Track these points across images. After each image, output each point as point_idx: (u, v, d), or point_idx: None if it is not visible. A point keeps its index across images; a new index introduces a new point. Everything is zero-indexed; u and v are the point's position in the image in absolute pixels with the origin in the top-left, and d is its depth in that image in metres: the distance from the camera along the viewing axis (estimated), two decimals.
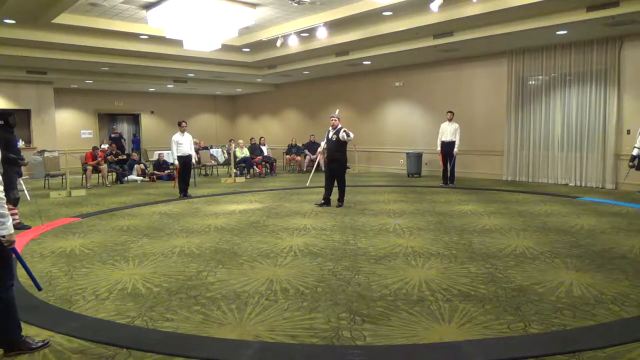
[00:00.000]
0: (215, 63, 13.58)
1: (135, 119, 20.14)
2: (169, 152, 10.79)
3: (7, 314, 2.88)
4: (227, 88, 18.54)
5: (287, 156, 15.65)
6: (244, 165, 13.82)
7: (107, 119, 20.17)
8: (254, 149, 14.60)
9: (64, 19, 9.08)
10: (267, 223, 6.90)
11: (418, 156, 12.98)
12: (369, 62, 13.04)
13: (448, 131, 10.64)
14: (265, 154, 15.01)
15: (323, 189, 8.39)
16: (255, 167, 14.06)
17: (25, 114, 14.63)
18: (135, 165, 13.57)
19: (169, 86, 17.01)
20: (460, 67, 12.45)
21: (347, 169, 8.94)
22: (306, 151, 15.26)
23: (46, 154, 12.73)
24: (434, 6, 7.79)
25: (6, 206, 2.79)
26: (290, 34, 10.20)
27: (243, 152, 13.96)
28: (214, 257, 5.10)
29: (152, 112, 19.58)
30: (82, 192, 10.51)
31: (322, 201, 8.28)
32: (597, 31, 9.28)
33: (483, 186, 10.62)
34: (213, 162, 15.31)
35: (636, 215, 7.13)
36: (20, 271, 4.23)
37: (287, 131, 18.01)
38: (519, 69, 11.23)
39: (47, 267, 4.75)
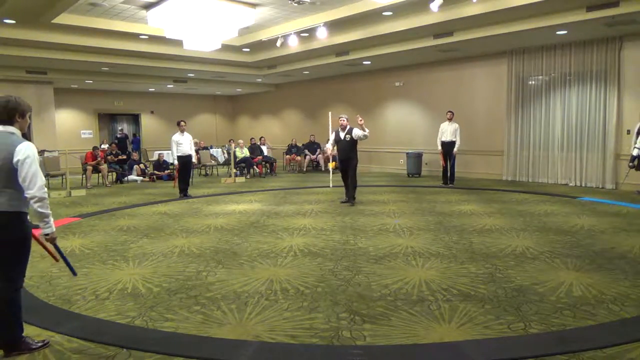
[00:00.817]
0: (215, 63, 13.58)
1: (135, 119, 20.14)
2: (169, 152, 10.80)
3: (12, 315, 2.89)
4: (227, 88, 18.54)
5: (287, 156, 15.65)
6: (244, 165, 13.83)
7: (107, 119, 20.18)
8: (254, 149, 14.60)
9: (64, 19, 9.08)
10: (267, 223, 6.90)
11: (418, 156, 12.98)
12: (369, 62, 13.04)
13: (448, 131, 10.65)
14: (266, 153, 15.03)
15: (324, 190, 8.40)
16: (255, 167, 14.07)
17: None
18: (135, 166, 13.58)
19: (169, 86, 17.00)
20: (460, 67, 12.44)
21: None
22: (306, 151, 15.26)
23: (46, 154, 12.72)
24: (434, 6, 7.79)
25: (49, 205, 2.86)
26: (290, 34, 10.20)
27: (243, 152, 13.96)
28: (214, 257, 5.10)
29: (152, 112, 19.58)
30: (82, 192, 10.52)
31: (346, 199, 8.51)
32: (597, 31, 9.28)
33: (483, 186, 10.62)
34: (213, 162, 15.31)
35: (636, 215, 7.13)
36: None
37: (287, 131, 18.01)
38: (519, 69, 11.23)
39: (47, 267, 4.74)
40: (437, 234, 6.04)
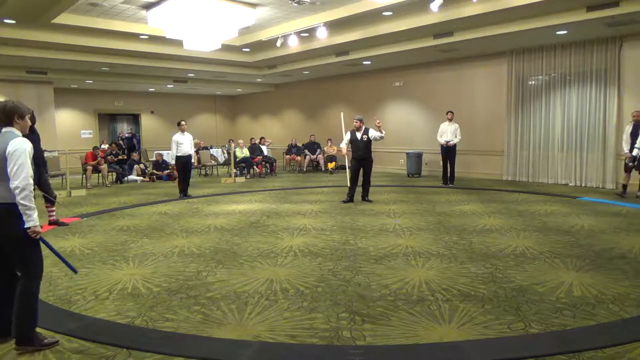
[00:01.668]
0: (215, 63, 13.58)
1: (135, 119, 20.13)
2: (169, 152, 10.79)
3: (30, 306, 2.96)
4: (227, 88, 18.54)
5: (287, 156, 15.65)
6: (244, 165, 13.82)
7: (107, 119, 20.16)
8: (254, 149, 14.60)
9: (64, 19, 9.07)
10: (267, 223, 6.90)
11: (418, 156, 12.97)
12: (369, 62, 13.04)
13: (448, 131, 10.65)
14: (266, 153, 15.02)
15: (324, 190, 8.41)
16: (255, 167, 14.06)
17: None
18: (135, 165, 13.58)
19: (169, 86, 17.00)
20: (460, 67, 12.44)
21: (348, 169, 9.10)
22: (306, 151, 15.25)
23: (46, 154, 12.69)
24: (434, 6, 7.79)
25: (34, 199, 2.88)
26: (290, 34, 10.20)
27: (243, 152, 13.96)
28: (214, 257, 5.10)
29: (152, 112, 19.57)
30: (82, 192, 10.51)
31: (348, 198, 8.63)
32: (597, 31, 9.28)
33: (483, 186, 10.62)
34: (213, 162, 15.31)
35: (636, 215, 7.13)
36: None
37: (287, 131, 18.01)
38: (519, 69, 11.23)
39: (47, 267, 4.69)
40: (437, 234, 6.04)
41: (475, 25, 9.38)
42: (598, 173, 10.09)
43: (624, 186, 8.60)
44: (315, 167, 15.54)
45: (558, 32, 9.36)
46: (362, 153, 8.51)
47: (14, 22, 9.16)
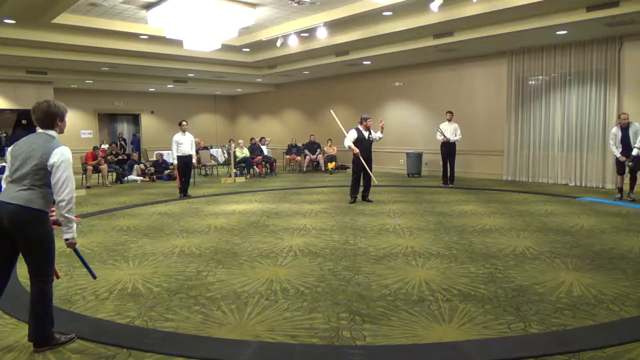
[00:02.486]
0: (215, 63, 13.58)
1: (135, 119, 20.13)
2: (169, 152, 10.79)
3: (48, 309, 2.95)
4: (227, 88, 18.53)
5: (287, 156, 15.64)
6: (244, 165, 13.82)
7: (107, 119, 20.16)
8: (254, 149, 14.60)
9: (64, 19, 9.07)
10: (267, 223, 6.90)
11: (418, 156, 12.97)
12: (369, 62, 13.04)
13: (448, 131, 10.64)
14: (266, 153, 15.01)
15: (324, 190, 8.41)
16: (255, 167, 14.06)
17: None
18: (135, 165, 13.58)
19: (169, 86, 17.00)
20: (460, 67, 12.44)
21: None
22: (306, 151, 15.25)
23: None
24: (434, 6, 7.79)
25: (74, 211, 2.91)
26: (290, 34, 10.20)
27: (243, 152, 13.96)
28: (213, 257, 5.10)
29: (152, 112, 19.57)
30: (82, 192, 10.51)
31: (353, 199, 8.66)
32: (597, 31, 9.28)
33: (483, 186, 10.61)
34: (213, 162, 15.31)
35: (636, 215, 7.13)
36: (19, 271, 4.23)
37: (287, 131, 18.01)
38: (519, 69, 11.23)
39: None
40: (437, 234, 6.04)
41: (475, 25, 9.38)
42: (598, 173, 10.09)
43: (620, 189, 8.56)
44: (315, 167, 15.54)
45: (558, 32, 9.36)
46: (367, 153, 8.59)
47: (14, 22, 9.16)
